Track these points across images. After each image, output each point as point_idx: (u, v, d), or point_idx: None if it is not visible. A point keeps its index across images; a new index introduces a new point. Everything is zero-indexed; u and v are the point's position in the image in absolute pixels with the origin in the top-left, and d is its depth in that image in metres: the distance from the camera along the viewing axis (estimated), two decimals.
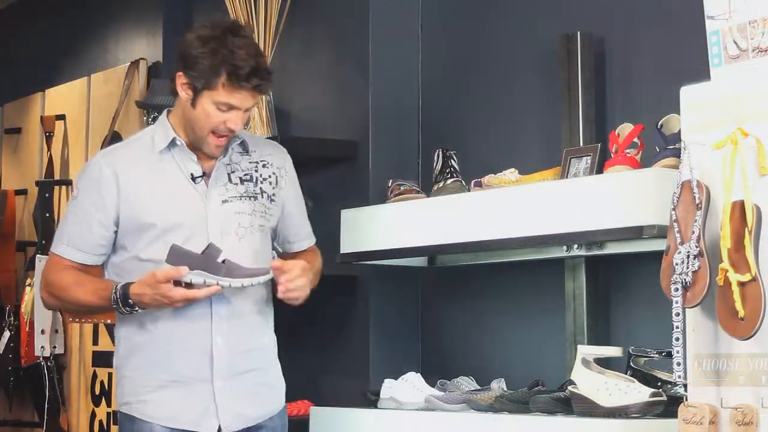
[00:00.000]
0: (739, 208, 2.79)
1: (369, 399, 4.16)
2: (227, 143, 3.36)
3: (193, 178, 3.34)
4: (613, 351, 3.45)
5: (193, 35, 3.29)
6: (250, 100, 3.28)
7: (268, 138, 4.52)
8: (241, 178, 3.39)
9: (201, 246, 3.23)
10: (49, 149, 6.08)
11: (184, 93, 3.30)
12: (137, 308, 3.24)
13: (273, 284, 3.36)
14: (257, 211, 3.39)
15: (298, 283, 3.29)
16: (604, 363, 3.43)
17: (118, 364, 3.39)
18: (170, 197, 3.33)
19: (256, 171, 3.42)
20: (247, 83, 3.24)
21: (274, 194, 3.44)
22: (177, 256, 3.18)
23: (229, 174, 3.38)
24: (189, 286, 3.18)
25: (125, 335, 3.37)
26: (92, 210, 3.33)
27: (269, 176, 3.45)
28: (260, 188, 3.41)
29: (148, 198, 3.31)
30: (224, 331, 3.31)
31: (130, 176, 3.33)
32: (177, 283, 3.17)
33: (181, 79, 3.29)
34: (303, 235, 3.59)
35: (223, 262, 3.19)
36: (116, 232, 3.34)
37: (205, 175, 3.36)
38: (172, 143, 3.34)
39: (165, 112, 3.43)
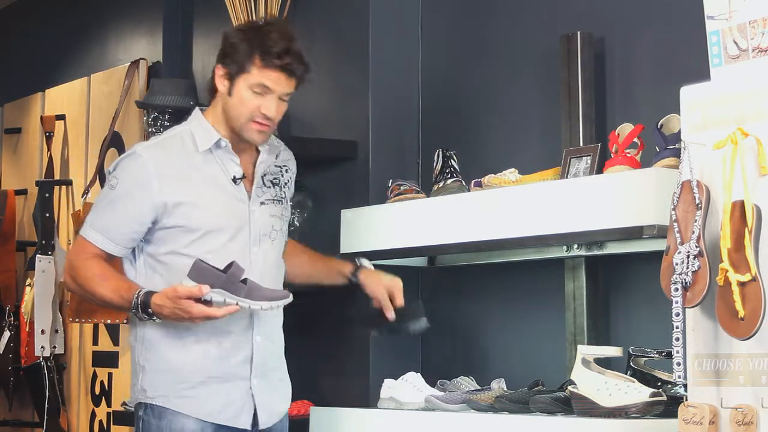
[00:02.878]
0: (739, 208, 2.79)
1: (369, 399, 4.16)
2: (268, 133, 3.37)
3: (234, 180, 3.36)
4: (613, 351, 3.45)
5: (234, 29, 3.38)
6: (283, 82, 3.30)
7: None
8: (271, 181, 3.43)
9: (242, 247, 3.25)
10: (49, 149, 6.07)
11: (221, 85, 3.34)
12: (155, 317, 3.26)
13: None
14: (284, 216, 3.46)
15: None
16: (604, 363, 3.43)
17: (148, 357, 3.36)
18: (215, 200, 3.34)
19: (282, 175, 3.48)
20: (279, 60, 3.27)
21: (289, 199, 3.52)
22: (199, 272, 3.18)
23: (262, 177, 3.42)
24: (208, 302, 3.19)
25: (154, 329, 3.34)
26: (131, 205, 3.32)
27: (288, 181, 3.52)
28: (284, 192, 3.47)
29: (193, 200, 3.32)
30: (262, 330, 3.39)
31: (172, 177, 3.33)
32: (198, 298, 3.19)
33: (219, 71, 3.34)
34: None
35: (244, 281, 3.19)
36: (150, 229, 3.33)
37: (244, 177, 3.38)
38: (217, 144, 3.36)
39: (197, 110, 3.44)
